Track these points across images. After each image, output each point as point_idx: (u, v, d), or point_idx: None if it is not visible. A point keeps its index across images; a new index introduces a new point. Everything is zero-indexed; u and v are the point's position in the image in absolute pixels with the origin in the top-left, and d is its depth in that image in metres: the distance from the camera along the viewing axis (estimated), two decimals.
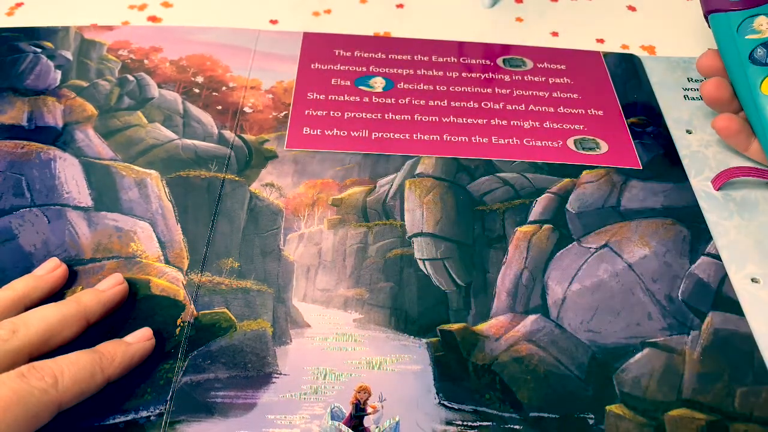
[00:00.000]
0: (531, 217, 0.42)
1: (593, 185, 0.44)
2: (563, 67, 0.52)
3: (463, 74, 0.51)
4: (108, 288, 0.35)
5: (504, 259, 0.40)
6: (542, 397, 0.34)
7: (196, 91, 0.48)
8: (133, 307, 0.36)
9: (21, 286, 0.34)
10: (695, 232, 0.42)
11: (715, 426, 0.33)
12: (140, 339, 0.33)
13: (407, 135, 0.46)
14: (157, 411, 0.32)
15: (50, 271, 0.36)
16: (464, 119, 0.47)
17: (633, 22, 0.58)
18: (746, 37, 0.42)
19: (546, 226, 0.42)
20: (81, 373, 0.30)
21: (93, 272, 0.37)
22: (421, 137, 0.46)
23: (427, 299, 0.38)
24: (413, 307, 0.37)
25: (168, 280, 0.37)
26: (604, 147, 0.46)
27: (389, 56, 0.52)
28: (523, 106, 0.49)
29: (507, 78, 0.51)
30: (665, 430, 0.33)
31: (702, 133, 0.48)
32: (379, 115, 0.47)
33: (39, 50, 0.50)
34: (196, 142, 0.45)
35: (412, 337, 0.36)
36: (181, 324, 0.35)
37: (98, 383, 0.30)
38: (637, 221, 0.42)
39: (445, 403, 0.34)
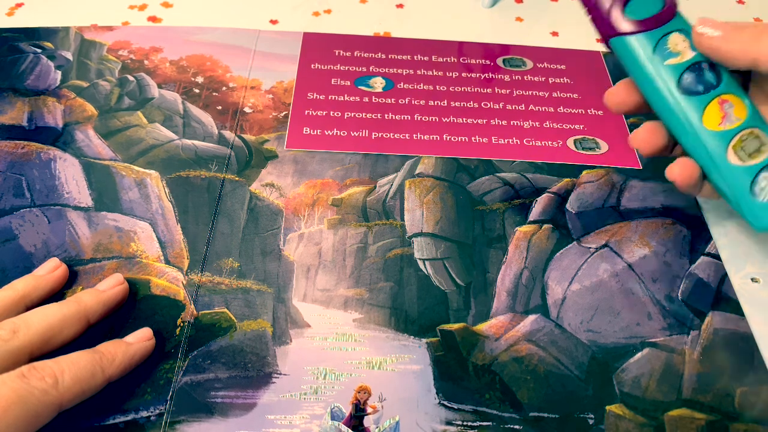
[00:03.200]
0: (531, 217, 0.42)
1: (593, 185, 0.44)
2: (563, 67, 0.52)
3: (463, 74, 0.51)
4: (108, 288, 0.35)
5: (504, 259, 0.40)
6: (542, 397, 0.34)
7: (196, 91, 0.48)
8: (133, 307, 0.36)
9: (21, 286, 0.34)
10: (695, 232, 0.42)
11: (715, 426, 0.33)
12: (140, 339, 0.33)
13: (407, 135, 0.46)
14: (157, 411, 0.32)
15: (51, 271, 0.36)
16: (464, 119, 0.47)
17: None
18: (666, 63, 0.33)
19: (546, 225, 0.42)
20: (81, 373, 0.30)
21: (93, 272, 0.37)
22: (421, 137, 0.46)
23: (427, 299, 0.38)
24: (413, 307, 0.37)
25: (168, 280, 0.37)
26: (604, 147, 0.46)
27: (389, 56, 0.52)
28: (523, 106, 0.49)
29: (507, 78, 0.51)
30: (665, 429, 0.33)
31: None
32: (379, 115, 0.47)
33: (39, 50, 0.50)
34: (196, 142, 0.45)
35: (412, 337, 0.36)
36: (181, 324, 0.35)
37: (99, 383, 0.30)
38: (637, 221, 0.42)
39: (445, 403, 0.34)
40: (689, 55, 0.33)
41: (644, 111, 0.36)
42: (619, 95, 0.36)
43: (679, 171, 0.35)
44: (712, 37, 0.32)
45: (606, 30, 0.34)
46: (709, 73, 0.33)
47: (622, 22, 0.33)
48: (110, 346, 0.32)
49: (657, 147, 0.36)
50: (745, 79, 0.35)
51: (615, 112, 0.37)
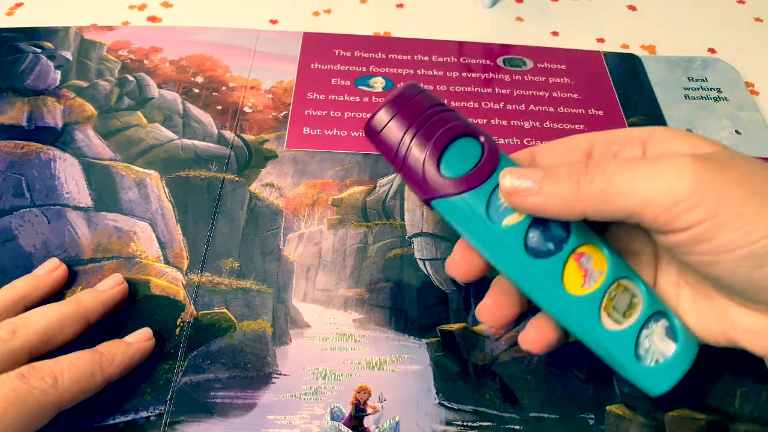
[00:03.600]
0: None
1: None
2: (563, 66, 0.52)
3: (463, 74, 0.51)
4: (108, 288, 0.35)
5: None
6: (542, 398, 0.34)
7: (196, 91, 0.48)
8: (133, 307, 0.36)
9: (21, 287, 0.34)
10: None
11: (715, 426, 0.33)
12: (140, 339, 0.33)
13: None
14: (157, 411, 0.32)
15: (50, 271, 0.36)
16: None
17: (633, 21, 0.58)
18: (504, 223, 0.26)
19: None
20: (81, 373, 0.29)
21: (93, 272, 0.37)
22: None
23: (427, 299, 0.38)
24: (413, 307, 0.37)
25: (168, 280, 0.37)
26: None
27: (389, 56, 0.52)
28: (523, 106, 0.49)
29: (507, 78, 0.51)
30: (665, 430, 0.33)
31: (703, 133, 0.48)
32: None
33: (39, 50, 0.49)
34: (195, 142, 0.45)
35: (412, 337, 0.36)
36: (181, 324, 0.35)
37: (98, 383, 0.30)
38: None
39: (445, 403, 0.34)
40: None
41: (484, 271, 0.29)
42: (463, 266, 0.29)
43: (532, 338, 0.29)
44: (527, 196, 0.26)
45: (425, 193, 0.27)
46: (556, 225, 0.27)
47: (439, 182, 0.27)
48: (110, 346, 0.32)
49: (513, 316, 0.30)
50: None
51: (464, 282, 0.31)
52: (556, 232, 0.27)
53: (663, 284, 0.30)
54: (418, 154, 0.27)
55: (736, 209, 0.23)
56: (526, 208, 0.26)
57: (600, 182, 0.25)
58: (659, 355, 0.27)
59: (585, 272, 0.27)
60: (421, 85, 0.30)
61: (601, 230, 0.30)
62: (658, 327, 0.28)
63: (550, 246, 0.27)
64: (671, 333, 0.28)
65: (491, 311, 0.29)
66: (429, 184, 0.27)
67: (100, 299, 0.34)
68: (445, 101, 0.30)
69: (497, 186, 0.27)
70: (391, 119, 0.28)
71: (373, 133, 0.28)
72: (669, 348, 0.28)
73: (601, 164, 0.25)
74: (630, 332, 0.27)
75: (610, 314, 0.27)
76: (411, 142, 0.27)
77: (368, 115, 0.29)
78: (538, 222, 0.27)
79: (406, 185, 0.28)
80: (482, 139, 0.27)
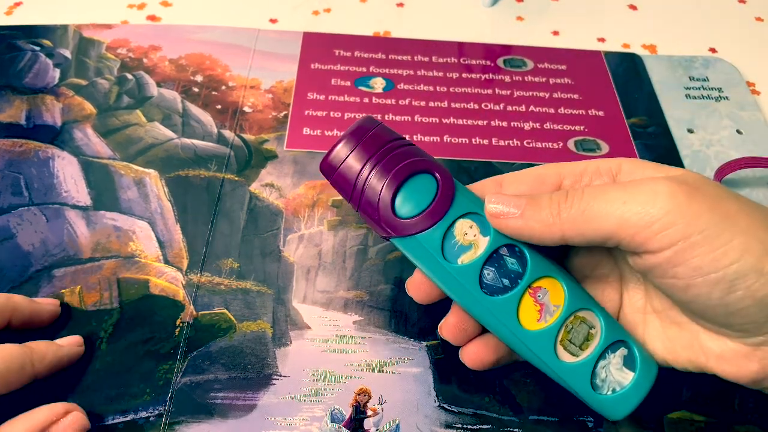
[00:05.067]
0: None
1: None
2: (564, 67, 0.52)
3: (464, 75, 0.51)
4: (66, 345, 0.33)
5: None
6: (542, 400, 0.34)
7: (196, 90, 0.48)
8: (133, 307, 0.36)
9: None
10: None
11: (714, 428, 0.33)
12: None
13: (407, 136, 0.46)
14: (157, 412, 0.32)
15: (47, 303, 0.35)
16: (464, 120, 0.47)
17: (634, 21, 0.58)
18: (460, 261, 0.27)
19: None
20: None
21: (92, 272, 0.37)
22: (421, 138, 0.46)
23: None
24: (413, 309, 0.37)
25: (167, 280, 0.37)
26: (605, 148, 0.46)
27: (389, 56, 0.52)
28: (523, 107, 0.49)
29: (507, 79, 0.51)
30: None
31: (704, 133, 0.48)
32: (379, 115, 0.47)
33: (38, 48, 0.49)
34: (195, 141, 0.45)
35: (412, 339, 0.36)
36: (181, 324, 0.35)
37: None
38: None
39: (445, 406, 0.33)
40: (483, 244, 0.28)
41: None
42: (422, 289, 0.30)
43: (471, 355, 0.30)
44: (509, 219, 0.27)
45: (382, 232, 0.28)
46: (512, 260, 0.28)
47: (395, 222, 0.28)
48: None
49: (490, 363, 0.30)
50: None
51: (422, 303, 0.31)
52: (512, 268, 0.28)
53: (629, 311, 0.30)
54: (373, 194, 0.28)
55: (709, 232, 0.24)
56: (508, 230, 0.28)
57: (579, 207, 0.26)
58: (615, 385, 0.28)
59: (541, 307, 0.28)
60: (377, 118, 0.31)
61: (564, 255, 0.31)
62: (616, 357, 0.29)
63: (505, 282, 0.28)
64: (630, 361, 0.29)
65: (453, 328, 0.30)
66: (384, 224, 0.28)
67: (56, 353, 0.32)
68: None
69: (452, 223, 0.28)
70: (349, 154, 0.28)
71: (330, 170, 0.29)
72: (626, 377, 0.28)
73: (579, 191, 0.27)
74: (586, 364, 0.28)
75: (566, 347, 0.28)
76: (366, 180, 0.28)
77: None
78: (494, 259, 0.28)
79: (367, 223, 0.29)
80: (437, 175, 0.28)
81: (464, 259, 0.28)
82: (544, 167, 0.30)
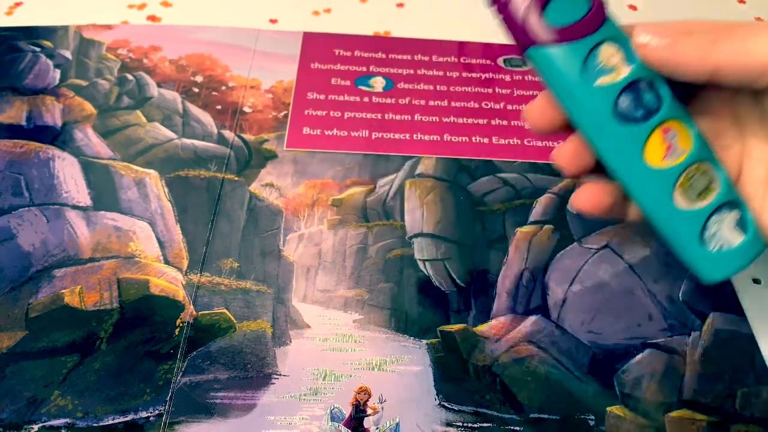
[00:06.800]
0: (532, 218, 0.42)
1: None
2: None
3: (464, 74, 0.51)
4: None
5: (504, 260, 0.40)
6: (543, 399, 0.34)
7: (196, 90, 0.48)
8: (133, 307, 0.36)
9: None
10: None
11: (715, 427, 0.33)
12: None
13: (407, 135, 0.46)
14: (157, 411, 0.32)
15: None
16: (464, 119, 0.47)
17: (634, 21, 0.58)
18: (597, 83, 0.26)
19: (547, 226, 0.41)
20: None
21: (92, 272, 0.37)
22: (421, 137, 0.46)
23: (427, 300, 0.38)
24: (413, 307, 0.37)
25: (167, 280, 0.37)
26: None
27: (389, 56, 0.52)
28: (523, 106, 0.49)
29: (507, 78, 0.51)
30: (666, 431, 0.33)
31: None
32: (379, 115, 0.47)
33: (38, 49, 0.49)
34: (195, 141, 0.45)
35: (412, 338, 0.36)
36: (181, 324, 0.35)
37: None
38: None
39: (445, 404, 0.33)
40: (625, 71, 0.27)
41: (564, 128, 0.29)
42: (542, 113, 0.29)
43: (586, 199, 0.30)
44: (659, 48, 0.26)
45: (522, 39, 0.27)
46: (649, 94, 0.27)
47: (540, 29, 0.26)
48: None
49: (585, 166, 0.29)
50: (685, 95, 0.29)
51: (537, 132, 0.30)
52: (648, 101, 0.27)
53: (748, 181, 0.29)
54: None
55: None
56: (656, 60, 0.26)
57: (738, 37, 0.25)
58: (723, 243, 0.28)
59: (669, 146, 0.27)
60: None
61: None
62: (730, 216, 0.28)
63: (639, 113, 0.27)
64: (741, 225, 0.28)
65: (571, 153, 0.29)
66: (529, 29, 0.26)
67: None
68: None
69: (599, 44, 0.26)
70: None
71: None
72: (735, 238, 0.28)
73: (737, 24, 0.26)
74: (700, 214, 0.27)
75: (684, 193, 0.27)
76: None
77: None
78: (633, 87, 0.27)
79: (504, 29, 0.27)
80: None
81: (603, 81, 0.26)
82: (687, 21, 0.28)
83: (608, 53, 0.27)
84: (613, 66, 0.27)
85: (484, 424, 0.33)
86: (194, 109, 0.47)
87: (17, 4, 0.54)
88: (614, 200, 0.29)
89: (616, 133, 0.27)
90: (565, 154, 0.29)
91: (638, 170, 0.27)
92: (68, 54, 0.49)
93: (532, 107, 0.29)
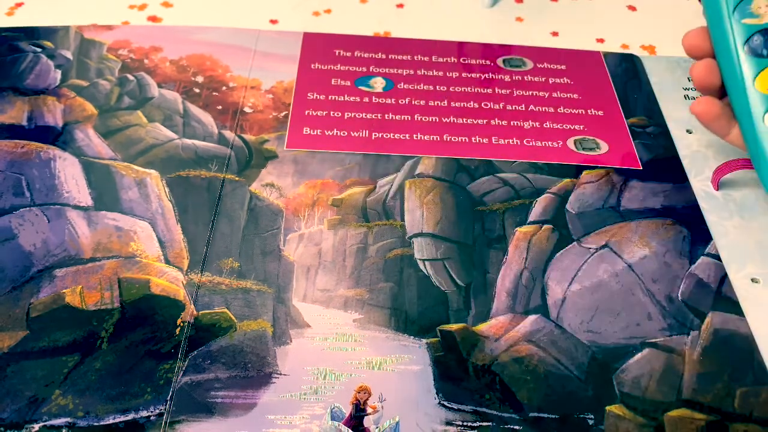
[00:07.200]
0: (531, 218, 0.42)
1: (593, 185, 0.44)
2: (563, 67, 0.52)
3: (463, 74, 0.51)
4: None
5: (504, 260, 0.40)
6: (542, 398, 0.34)
7: (196, 90, 0.48)
8: (134, 306, 0.36)
9: None
10: (695, 232, 0.41)
11: (714, 426, 0.33)
12: None
13: (407, 135, 0.46)
14: (157, 411, 0.32)
15: None
16: (464, 119, 0.47)
17: (633, 21, 0.58)
18: (743, 21, 0.37)
19: (546, 226, 0.42)
20: None
21: (93, 272, 0.37)
22: (421, 137, 0.46)
23: (427, 299, 0.38)
24: (413, 307, 0.37)
25: (168, 280, 0.37)
26: (604, 147, 0.46)
27: (389, 56, 0.52)
28: (523, 106, 0.49)
29: (507, 78, 0.51)
30: (665, 430, 0.33)
31: (702, 133, 0.48)
32: (379, 115, 0.47)
33: (39, 50, 0.49)
34: (196, 141, 0.45)
35: (412, 337, 0.36)
36: (181, 324, 0.35)
37: None
38: (637, 221, 0.42)
39: (445, 403, 0.34)
40: (766, 19, 0.37)
41: (709, 57, 0.39)
42: (695, 38, 0.40)
43: (702, 108, 0.39)
44: None
45: None
46: None
47: None
48: None
49: (711, 84, 0.39)
50: None
51: (689, 53, 0.40)
52: None
53: None
54: None
55: None
56: None
57: None
58: None
59: None
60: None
61: None
62: None
63: (764, 51, 0.36)
64: None
65: (705, 69, 0.39)
66: None
67: None
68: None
69: None
70: None
71: None
72: None
73: None
74: None
75: None
76: None
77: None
78: (766, 32, 0.36)
79: None
80: None
81: (747, 21, 0.37)
82: None
83: (760, 3, 0.37)
84: (760, 14, 0.37)
85: (484, 423, 0.33)
86: (195, 110, 0.47)
87: (18, 5, 0.54)
88: (721, 113, 0.39)
89: (741, 59, 0.37)
90: (700, 69, 0.39)
91: (746, 90, 0.37)
92: (69, 54, 0.50)
93: (689, 34, 0.40)
